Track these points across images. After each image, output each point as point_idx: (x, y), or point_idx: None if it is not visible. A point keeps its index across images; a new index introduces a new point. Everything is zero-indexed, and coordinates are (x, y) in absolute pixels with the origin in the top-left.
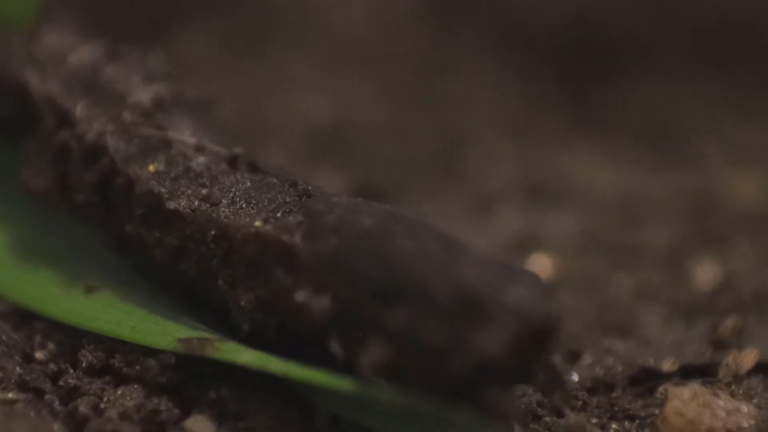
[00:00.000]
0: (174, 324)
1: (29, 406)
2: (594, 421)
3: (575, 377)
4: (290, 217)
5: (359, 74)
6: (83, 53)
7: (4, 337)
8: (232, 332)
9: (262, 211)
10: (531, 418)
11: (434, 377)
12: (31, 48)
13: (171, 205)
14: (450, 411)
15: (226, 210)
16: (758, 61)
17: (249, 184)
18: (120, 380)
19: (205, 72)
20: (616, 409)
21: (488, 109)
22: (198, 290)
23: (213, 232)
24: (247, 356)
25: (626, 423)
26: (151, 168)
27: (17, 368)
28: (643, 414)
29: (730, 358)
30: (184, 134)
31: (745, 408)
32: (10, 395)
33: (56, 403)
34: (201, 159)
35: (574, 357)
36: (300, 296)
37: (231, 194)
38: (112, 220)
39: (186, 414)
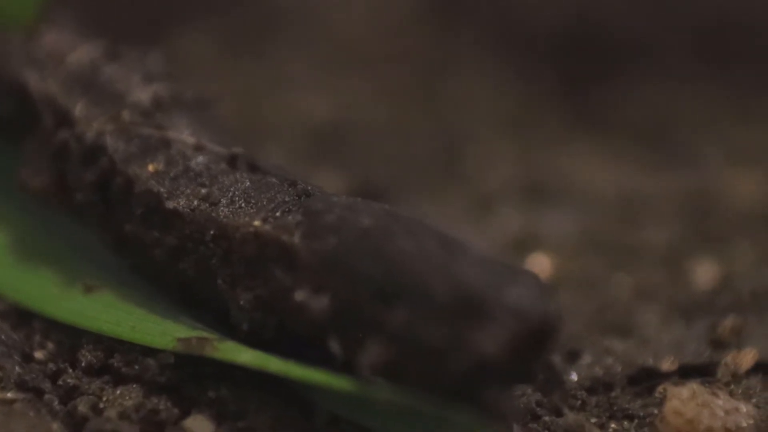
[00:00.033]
0: (173, 323)
1: (28, 406)
2: (593, 420)
3: (574, 377)
4: (289, 217)
5: (359, 74)
6: (82, 53)
7: (3, 337)
8: (232, 332)
9: (261, 211)
10: (530, 418)
11: (433, 377)
12: (31, 47)
13: (170, 204)
14: (449, 411)
15: (226, 209)
16: (758, 61)
17: (248, 183)
18: (119, 380)
19: (205, 72)
20: (615, 408)
21: (488, 108)
22: (197, 290)
23: (212, 232)
24: (246, 356)
25: (625, 422)
26: (150, 168)
27: (16, 368)
28: (642, 413)
29: (729, 358)
30: (183, 134)
31: (743, 407)
32: (9, 395)
33: (55, 403)
34: (200, 158)
35: (573, 356)
36: (299, 296)
37: (230, 194)
38: (112, 220)
39: (185, 413)
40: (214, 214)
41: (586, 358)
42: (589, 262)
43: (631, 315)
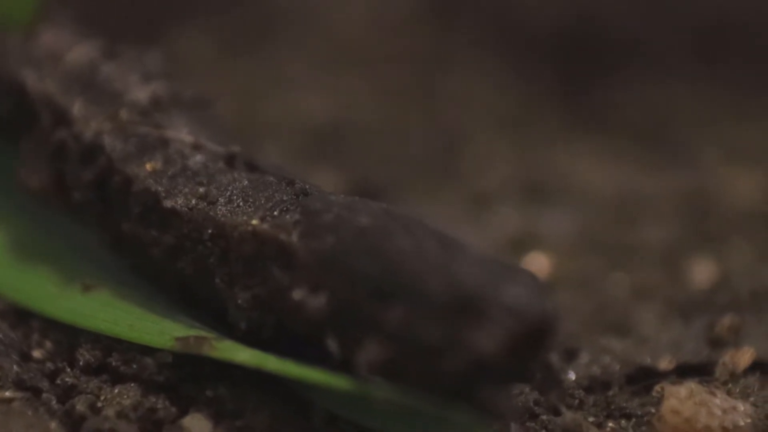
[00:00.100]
0: (171, 322)
1: (26, 405)
2: (591, 419)
3: (572, 376)
4: (287, 216)
5: (358, 73)
6: (80, 52)
7: (1, 336)
8: (230, 331)
9: (259, 210)
10: (528, 417)
11: (431, 376)
12: (29, 47)
13: (168, 203)
14: (447, 409)
15: (223, 208)
16: (756, 60)
17: (246, 182)
18: (117, 379)
19: (203, 71)
20: (612, 407)
21: (486, 108)
22: (195, 289)
23: (210, 231)
24: (244, 355)
25: (623, 421)
26: (148, 167)
27: (14, 367)
28: (639, 412)
29: (726, 357)
30: (181, 133)
31: (741, 406)
32: (7, 393)
33: (53, 402)
34: (198, 158)
35: (571, 355)
36: (297, 295)
37: (228, 193)
38: (110, 219)
39: (183, 412)
40: (212, 213)
41: (584, 357)
42: (588, 262)
43: (629, 314)
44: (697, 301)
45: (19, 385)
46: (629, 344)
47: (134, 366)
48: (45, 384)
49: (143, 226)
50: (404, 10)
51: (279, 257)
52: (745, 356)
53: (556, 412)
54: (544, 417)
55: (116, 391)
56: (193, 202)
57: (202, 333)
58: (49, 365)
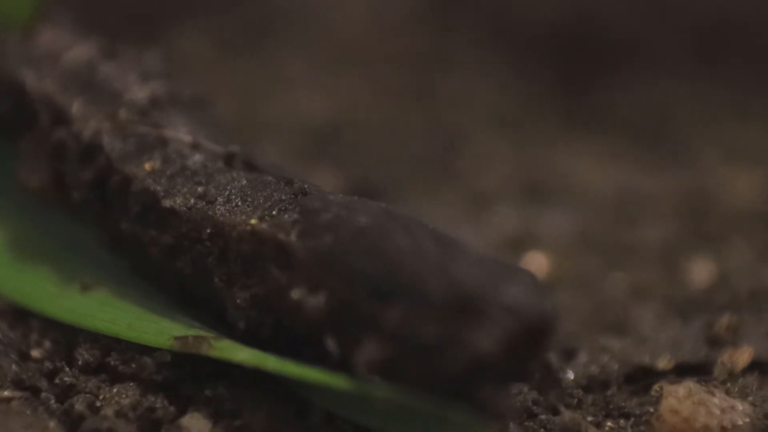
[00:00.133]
0: (170, 322)
1: (25, 404)
2: (589, 419)
3: (571, 375)
4: (286, 215)
5: (357, 73)
6: (79, 51)
7: (0, 336)
8: (228, 330)
9: (257, 209)
10: (526, 416)
11: (430, 375)
12: (28, 46)
13: (167, 203)
14: (445, 409)
15: (222, 208)
16: (756, 60)
17: (245, 182)
18: (116, 378)
19: (202, 70)
20: (611, 407)
21: (485, 107)
22: (194, 288)
23: (209, 230)
24: (242, 354)
25: (621, 421)
26: (147, 166)
27: (13, 366)
28: (638, 412)
29: (725, 356)
30: (180, 132)
31: (740, 406)
32: (6, 393)
33: (52, 401)
34: (197, 157)
35: (569, 355)
36: (296, 294)
37: (227, 192)
38: (109, 218)
39: (182, 412)
40: (210, 213)
41: (583, 357)
42: (587, 261)
43: (628, 313)
44: (695, 301)
45: (17, 384)
46: (628, 344)
47: (133, 365)
48: (44, 383)
49: (142, 225)
50: (404, 9)
51: (278, 257)
52: (743, 356)
53: (555, 412)
54: (543, 416)
55: (115, 390)
56: (192, 201)
57: (201, 332)
58: (48, 365)
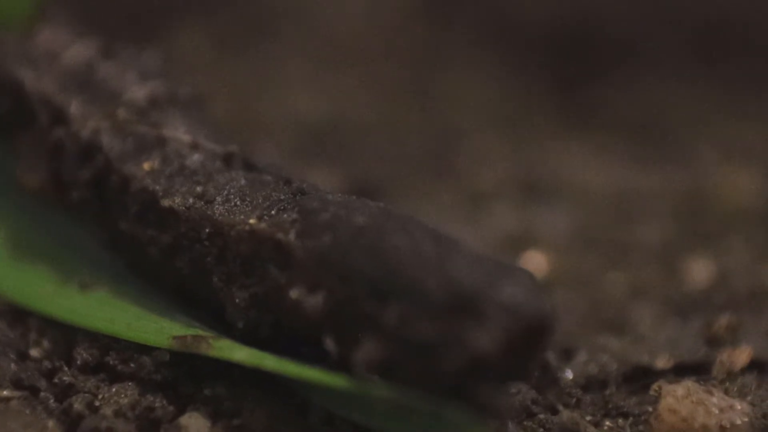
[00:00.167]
0: (169, 321)
1: (24, 404)
2: (588, 418)
3: (569, 374)
4: (284, 215)
5: (354, 72)
6: (78, 51)
7: None
8: (227, 330)
9: (256, 209)
10: (525, 416)
11: (428, 374)
12: (26, 46)
13: (166, 202)
14: (444, 408)
15: (221, 208)
16: (754, 59)
17: (243, 181)
18: (115, 378)
19: (201, 70)
20: (610, 406)
21: (483, 106)
22: (193, 288)
23: (207, 230)
24: (241, 354)
25: (620, 420)
26: (145, 166)
27: (12, 365)
28: (636, 411)
29: (724, 356)
30: (178, 132)
31: (738, 405)
32: (4, 392)
33: (51, 401)
34: (196, 157)
35: (568, 354)
36: (294, 294)
37: (225, 192)
38: (107, 218)
39: (181, 411)
40: (209, 212)
41: (581, 356)
42: (585, 260)
43: (627, 313)
44: (694, 300)
45: (16, 384)
46: (626, 343)
47: (132, 365)
48: (42, 383)
49: (141, 225)
50: (401, 8)
51: (276, 256)
52: (742, 355)
53: (554, 411)
54: (542, 416)
55: (114, 389)
56: (191, 201)
57: (200, 332)
58: (47, 364)
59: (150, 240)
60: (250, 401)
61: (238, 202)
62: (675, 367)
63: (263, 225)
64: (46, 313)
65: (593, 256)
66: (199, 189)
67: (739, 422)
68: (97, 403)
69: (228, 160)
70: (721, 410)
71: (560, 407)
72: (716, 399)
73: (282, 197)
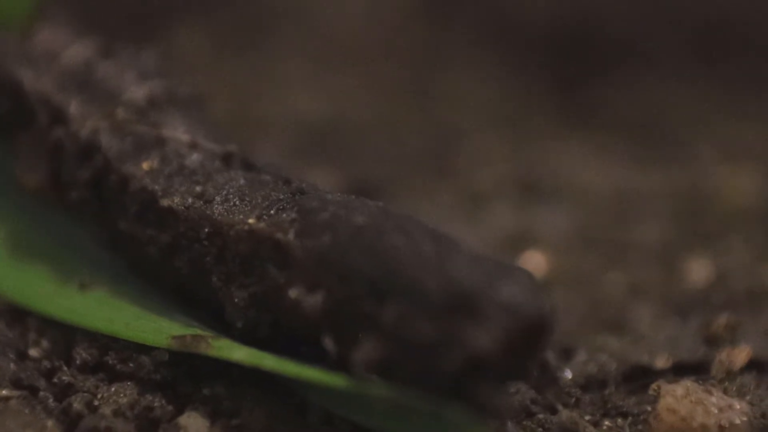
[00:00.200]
0: (168, 321)
1: (23, 403)
2: (587, 418)
3: (568, 374)
4: (284, 215)
5: (354, 71)
6: (77, 51)
7: None
8: (226, 329)
9: (255, 209)
10: (524, 415)
11: (427, 374)
12: (25, 46)
13: (165, 202)
14: (443, 408)
15: (220, 207)
16: (753, 59)
17: (243, 181)
18: (114, 377)
19: (200, 69)
20: (609, 406)
21: (482, 106)
22: (192, 287)
23: (207, 230)
24: (240, 353)
25: (619, 420)
26: (144, 165)
27: (11, 365)
28: (636, 411)
29: (723, 355)
30: (177, 132)
31: (737, 405)
32: (4, 392)
33: (50, 400)
34: (195, 156)
35: (567, 354)
36: (293, 293)
37: (225, 191)
38: (107, 218)
39: (180, 411)
40: (208, 212)
41: (581, 356)
42: (584, 260)
43: (626, 312)
44: (693, 300)
45: (15, 383)
46: (626, 342)
47: (131, 364)
48: (42, 382)
49: (140, 224)
50: (401, 8)
51: (275, 256)
52: (741, 355)
53: (553, 411)
54: (541, 415)
55: (113, 389)
56: (190, 200)
57: (199, 331)
58: (46, 364)
59: (149, 240)
60: (249, 401)
61: (237, 202)
62: (674, 367)
63: (262, 225)
64: (45, 312)
65: (593, 255)
66: (198, 189)
67: (737, 422)
68: (96, 403)
69: (227, 159)
70: (720, 410)
71: (559, 407)
72: (715, 398)
73: (281, 197)
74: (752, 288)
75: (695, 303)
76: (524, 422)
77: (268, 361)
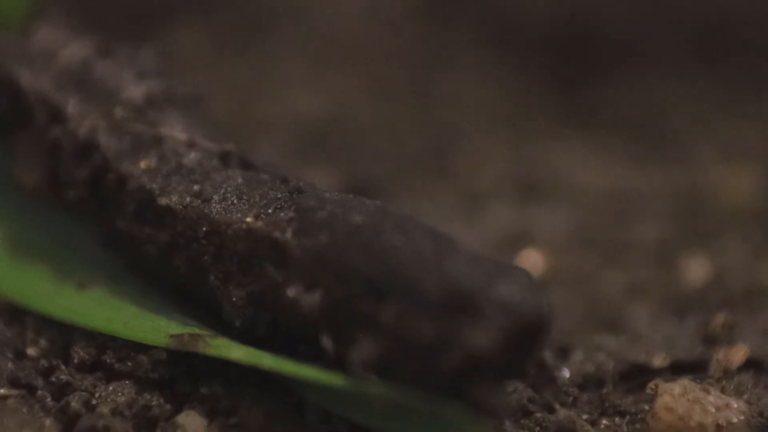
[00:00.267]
0: (166, 320)
1: (21, 402)
2: (584, 416)
3: (566, 373)
4: (281, 213)
5: (352, 71)
6: (75, 50)
7: None
8: (224, 328)
9: (253, 207)
10: (522, 414)
11: (425, 373)
12: (24, 45)
13: (163, 201)
14: (441, 407)
15: (218, 206)
16: (751, 58)
17: (240, 180)
18: (112, 376)
19: (200, 69)
20: (606, 404)
21: (481, 105)
22: (190, 286)
23: (204, 228)
24: (238, 352)
25: (617, 419)
26: (142, 164)
27: (9, 364)
28: (633, 410)
29: (720, 354)
30: (175, 131)
31: (735, 404)
32: (2, 391)
33: (48, 399)
34: (193, 155)
35: (565, 353)
36: (291, 292)
37: (222, 190)
38: (105, 217)
39: (178, 410)
40: (206, 211)
41: (578, 355)
42: (582, 259)
43: (623, 311)
44: (691, 299)
45: (13, 382)
46: (623, 341)
47: (129, 363)
48: (39, 381)
49: (138, 223)
50: (400, 7)
51: (273, 255)
52: (738, 354)
53: (551, 410)
54: (538, 414)
55: (111, 388)
56: (188, 199)
57: (197, 330)
58: (44, 363)
59: (147, 238)
60: (247, 400)
61: (235, 201)
62: (671, 366)
63: (260, 223)
64: (43, 311)
65: (590, 254)
66: (196, 187)
67: (735, 420)
68: (94, 402)
69: (225, 158)
70: (718, 408)
71: (557, 406)
72: (713, 397)
73: (279, 196)
74: (750, 287)
75: (693, 302)
76: (522, 421)
77: (266, 360)
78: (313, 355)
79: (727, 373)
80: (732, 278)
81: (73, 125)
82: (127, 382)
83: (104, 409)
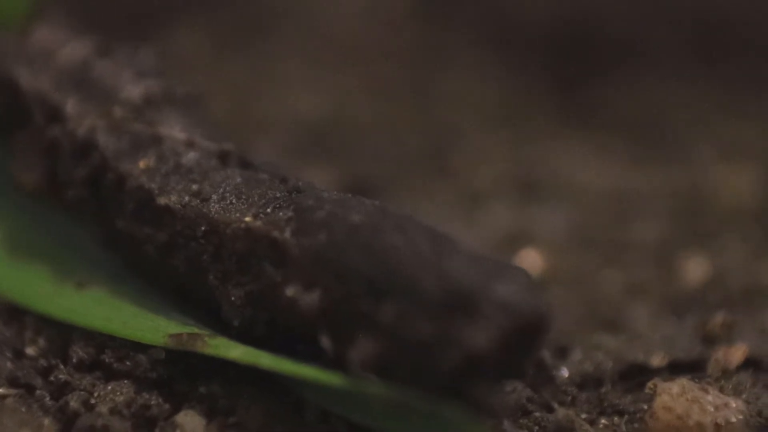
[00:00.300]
0: (164, 319)
1: (20, 402)
2: (583, 416)
3: (565, 372)
4: (280, 213)
5: (352, 70)
6: (74, 49)
7: None
8: (223, 328)
9: (252, 207)
10: (520, 414)
11: (424, 372)
12: (23, 44)
13: (161, 200)
14: (440, 406)
15: (217, 206)
16: (749, 57)
17: (239, 179)
18: (110, 376)
19: (199, 68)
20: (605, 404)
21: (480, 105)
22: (188, 286)
23: (203, 228)
24: (237, 351)
25: (615, 418)
26: (141, 164)
27: (8, 364)
28: (632, 409)
29: (719, 354)
30: (174, 130)
31: (733, 403)
32: (0, 390)
33: (47, 399)
34: (191, 155)
35: (563, 352)
36: (290, 291)
37: (221, 190)
38: (103, 216)
39: (176, 409)
40: (205, 210)
41: (577, 354)
42: (581, 258)
43: (622, 311)
44: (690, 299)
45: (12, 382)
46: (622, 341)
47: (127, 363)
48: (38, 381)
49: (137, 223)
50: (399, 7)
51: (272, 254)
52: (737, 353)
53: (549, 409)
54: (537, 414)
55: (109, 387)
56: (187, 199)
57: (196, 330)
58: (43, 362)
59: (146, 238)
60: (245, 399)
61: (234, 200)
62: (670, 365)
63: (259, 223)
64: (42, 311)
65: (589, 254)
66: (194, 187)
67: (733, 420)
68: (92, 401)
69: (224, 158)
70: (716, 408)
71: (556, 405)
72: (711, 397)
73: (278, 195)
74: (749, 287)
75: (692, 302)
76: (521, 421)
77: (264, 359)
78: (311, 355)
79: (726, 373)
80: (731, 278)
81: (72, 125)
82: (125, 381)
83: (103, 409)
